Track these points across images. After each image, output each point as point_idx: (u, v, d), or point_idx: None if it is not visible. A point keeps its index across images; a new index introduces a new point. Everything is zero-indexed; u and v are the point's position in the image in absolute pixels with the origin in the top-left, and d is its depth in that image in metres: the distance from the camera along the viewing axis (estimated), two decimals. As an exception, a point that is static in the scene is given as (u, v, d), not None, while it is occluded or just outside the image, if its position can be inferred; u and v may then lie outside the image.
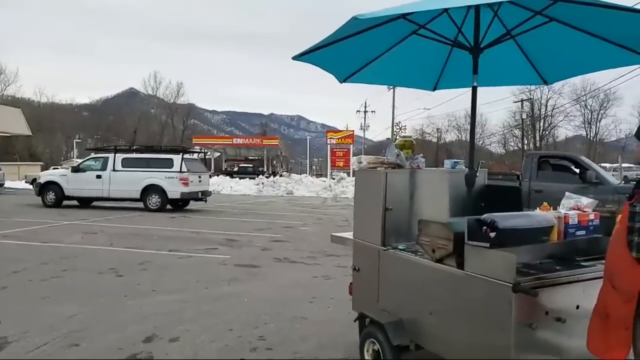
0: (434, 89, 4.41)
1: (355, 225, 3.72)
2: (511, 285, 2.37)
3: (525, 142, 54.47)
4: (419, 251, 3.09)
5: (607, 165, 41.08)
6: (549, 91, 52.91)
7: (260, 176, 34.38)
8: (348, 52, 3.61)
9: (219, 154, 57.30)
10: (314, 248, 8.84)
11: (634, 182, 2.29)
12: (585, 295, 2.56)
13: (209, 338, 4.14)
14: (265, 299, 5.37)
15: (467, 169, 3.52)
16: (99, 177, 15.63)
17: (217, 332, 4.30)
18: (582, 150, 58.39)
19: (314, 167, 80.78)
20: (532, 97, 52.63)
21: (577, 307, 2.54)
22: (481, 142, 62.66)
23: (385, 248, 3.34)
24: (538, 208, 2.95)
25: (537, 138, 54.95)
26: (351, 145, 43.77)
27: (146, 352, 3.82)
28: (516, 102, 49.81)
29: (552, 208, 2.94)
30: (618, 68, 3.57)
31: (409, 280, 3.12)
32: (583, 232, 2.93)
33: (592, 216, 2.94)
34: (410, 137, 3.78)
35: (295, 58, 3.32)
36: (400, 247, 3.31)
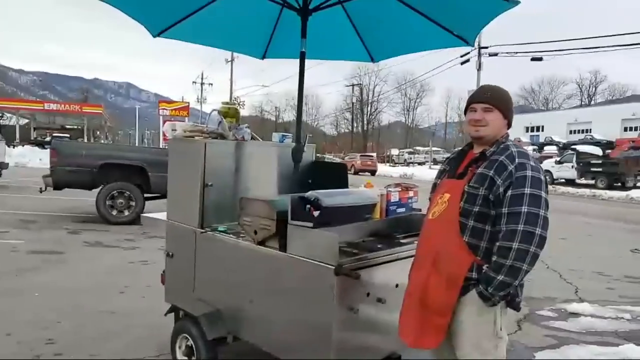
0: (263, 57, 4.08)
1: (170, 204, 3.22)
2: (333, 267, 2.19)
3: (355, 125, 58.66)
4: (241, 233, 2.76)
5: (420, 148, 46.75)
6: (375, 78, 57.67)
7: (79, 148, 30.43)
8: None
9: (26, 120, 49.23)
10: (135, 229, 7.94)
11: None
12: (403, 273, 2.52)
13: (-25, 349, 3.24)
14: (63, 293, 4.51)
15: (295, 143, 3.28)
16: None
17: (-11, 339, 3.40)
18: (401, 134, 65.39)
19: (145, 139, 75.22)
20: (361, 82, 56.73)
21: (397, 285, 2.50)
22: (316, 123, 65.70)
23: (203, 230, 2.93)
24: (363, 185, 2.85)
25: (365, 122, 59.59)
26: (186, 118, 41.59)
27: None
28: (348, 86, 53.19)
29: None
30: (439, 50, 3.68)
31: (229, 266, 2.77)
32: (403, 210, 2.93)
33: (411, 193, 2.95)
34: (235, 104, 3.39)
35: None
36: (220, 228, 2.93)
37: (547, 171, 22.40)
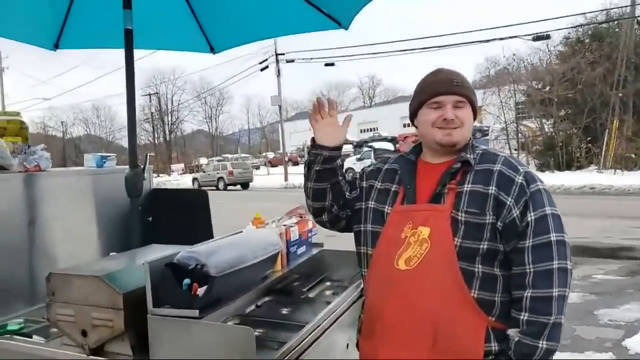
0: (56, 46, 2.79)
1: None
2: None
3: (157, 135, 55.03)
4: (54, 333, 1.61)
5: (229, 155, 46.15)
6: (173, 87, 55.03)
7: None
8: None
9: None
10: None
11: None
12: (330, 350, 1.74)
13: None
14: None
15: (129, 168, 2.17)
16: None
17: None
18: (206, 143, 63.80)
19: None
20: (158, 91, 53.41)
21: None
22: (112, 136, 59.43)
23: (-27, 338, 1.65)
24: (251, 223, 1.95)
25: (167, 132, 56.32)
26: None
27: None
28: (144, 95, 49.44)
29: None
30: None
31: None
32: (303, 249, 2.14)
33: (310, 224, 2.18)
34: (18, 114, 2.12)
35: None
36: (11, 327, 1.70)
37: (350, 168, 24.07)
